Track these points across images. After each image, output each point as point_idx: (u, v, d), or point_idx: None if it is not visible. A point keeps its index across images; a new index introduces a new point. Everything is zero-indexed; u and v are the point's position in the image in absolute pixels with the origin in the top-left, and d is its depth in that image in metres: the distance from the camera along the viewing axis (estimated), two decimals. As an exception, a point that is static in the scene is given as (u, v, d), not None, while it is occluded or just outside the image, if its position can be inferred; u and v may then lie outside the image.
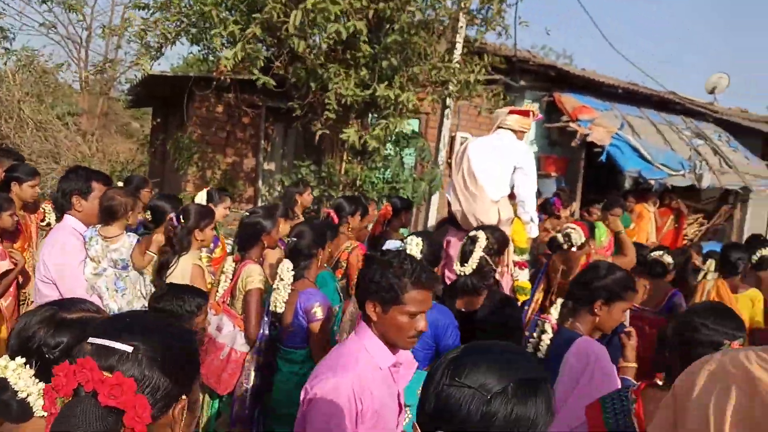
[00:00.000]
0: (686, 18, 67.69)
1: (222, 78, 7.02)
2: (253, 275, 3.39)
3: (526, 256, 4.16)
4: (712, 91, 11.35)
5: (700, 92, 12.66)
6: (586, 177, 9.27)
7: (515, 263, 4.02)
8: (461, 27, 7.56)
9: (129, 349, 1.06)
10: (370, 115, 7.21)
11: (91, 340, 1.08)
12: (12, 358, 1.41)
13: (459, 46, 7.72)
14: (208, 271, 3.86)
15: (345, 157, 7.24)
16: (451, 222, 4.40)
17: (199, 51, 8.36)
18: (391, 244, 3.29)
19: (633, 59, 11.46)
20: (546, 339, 2.59)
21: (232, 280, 3.50)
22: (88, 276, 3.08)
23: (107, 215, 3.24)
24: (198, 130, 8.43)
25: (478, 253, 3.17)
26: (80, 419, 0.99)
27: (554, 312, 2.63)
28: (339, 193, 7.07)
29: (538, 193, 5.42)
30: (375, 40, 6.31)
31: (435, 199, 8.89)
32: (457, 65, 7.00)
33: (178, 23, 6.80)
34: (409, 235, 2.95)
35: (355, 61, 6.37)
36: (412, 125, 8.91)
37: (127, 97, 11.57)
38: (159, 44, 7.05)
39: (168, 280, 3.39)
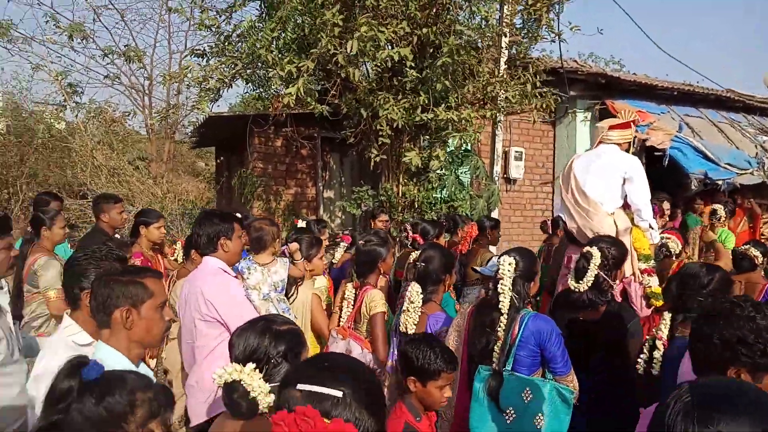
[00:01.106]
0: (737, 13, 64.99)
1: (278, 114, 7.36)
2: (376, 300, 3.52)
3: (652, 263, 4.15)
4: (772, 85, 10.92)
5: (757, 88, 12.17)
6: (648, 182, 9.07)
7: (642, 270, 4.04)
8: (507, 42, 7.66)
9: (339, 394, 1.08)
10: (421, 137, 7.37)
11: (300, 386, 1.11)
12: (242, 365, 1.69)
13: (503, 62, 7.82)
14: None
15: (401, 180, 7.40)
16: (569, 238, 4.50)
17: (253, 90, 8.77)
18: (492, 262, 3.39)
19: (686, 60, 11.16)
20: (658, 356, 2.63)
21: (354, 305, 3.62)
22: (259, 303, 3.21)
23: (258, 245, 3.41)
24: (259, 165, 8.79)
25: (593, 270, 3.20)
26: None
27: (664, 328, 2.67)
28: (399, 216, 7.23)
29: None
30: (419, 64, 6.48)
31: (494, 215, 8.91)
32: (505, 80, 7.09)
33: (233, 66, 7.19)
34: (501, 255, 2.99)
35: (403, 86, 6.56)
36: (465, 143, 9.01)
37: (191, 139, 12.18)
38: (217, 87, 7.46)
39: (291, 308, 3.60)
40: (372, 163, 6.97)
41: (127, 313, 1.98)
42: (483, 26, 6.97)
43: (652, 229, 4.29)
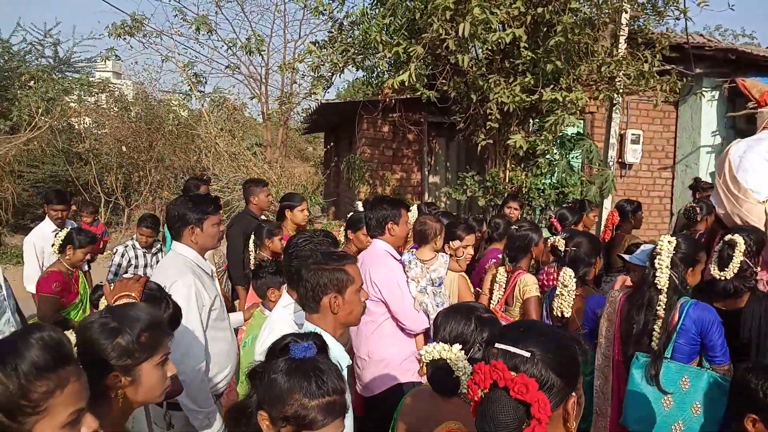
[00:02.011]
0: None
1: (388, 99, 7.48)
2: (529, 284, 3.60)
3: None
4: None
5: None
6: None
7: None
8: (627, 19, 7.25)
9: (527, 354, 1.27)
10: (531, 120, 7.18)
11: (497, 345, 1.31)
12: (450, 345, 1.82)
13: (623, 39, 7.42)
14: None
15: (508, 165, 7.26)
16: (718, 223, 4.44)
17: (363, 76, 8.95)
18: (645, 248, 3.37)
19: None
20: None
21: (506, 289, 3.72)
22: (415, 294, 3.40)
23: (421, 238, 3.54)
24: (367, 150, 9.00)
25: (738, 257, 3.17)
26: (499, 406, 1.24)
27: None
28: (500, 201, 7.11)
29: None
30: (533, 45, 6.30)
31: (607, 203, 8.53)
32: (624, 59, 6.72)
33: (345, 52, 7.38)
34: (662, 236, 3.00)
35: (515, 68, 6.41)
36: (576, 127, 8.67)
37: (303, 125, 12.61)
38: (330, 74, 7.70)
39: None
40: (479, 148, 6.90)
41: (335, 299, 2.13)
42: (601, 2, 6.62)
43: None
